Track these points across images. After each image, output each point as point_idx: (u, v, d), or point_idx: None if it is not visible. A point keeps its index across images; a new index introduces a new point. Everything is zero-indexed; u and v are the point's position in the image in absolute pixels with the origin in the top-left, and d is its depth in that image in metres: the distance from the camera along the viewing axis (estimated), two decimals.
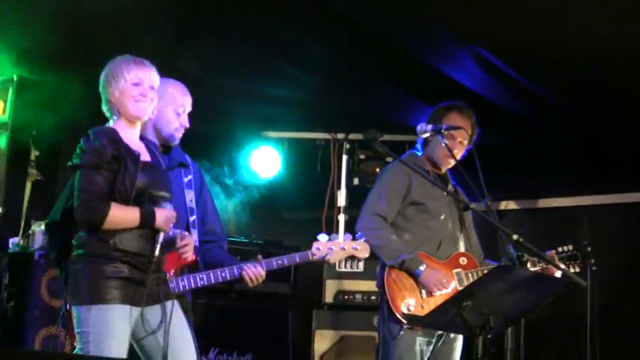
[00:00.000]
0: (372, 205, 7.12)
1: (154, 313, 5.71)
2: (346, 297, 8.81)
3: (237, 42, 8.56)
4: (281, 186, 10.59)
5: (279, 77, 9.10)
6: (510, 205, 10.34)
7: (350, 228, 9.66)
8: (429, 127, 6.90)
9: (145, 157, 5.76)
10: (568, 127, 9.30)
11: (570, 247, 7.09)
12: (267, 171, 10.48)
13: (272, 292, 7.30)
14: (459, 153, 7.09)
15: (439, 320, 6.17)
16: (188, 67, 8.23)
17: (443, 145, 6.93)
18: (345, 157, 9.86)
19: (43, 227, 8.47)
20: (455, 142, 7.04)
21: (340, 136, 9.93)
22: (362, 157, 9.90)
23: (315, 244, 6.37)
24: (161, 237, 5.54)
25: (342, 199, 9.83)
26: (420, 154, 7.20)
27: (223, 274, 6.22)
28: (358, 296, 8.75)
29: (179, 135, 6.34)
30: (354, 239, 6.45)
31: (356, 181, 9.86)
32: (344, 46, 8.46)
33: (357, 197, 9.82)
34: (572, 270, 7.03)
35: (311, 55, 8.69)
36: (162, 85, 6.29)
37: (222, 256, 6.52)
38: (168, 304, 5.78)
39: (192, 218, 6.31)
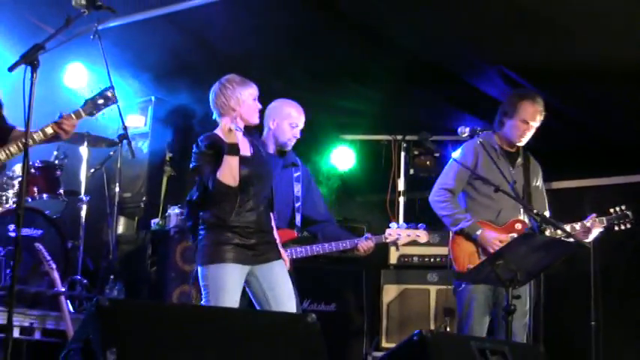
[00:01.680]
0: (441, 180, 7.03)
1: (262, 269, 5.76)
2: (406, 259, 8.79)
3: (319, 67, 8.59)
4: (354, 176, 10.57)
5: (352, 94, 9.16)
6: None
7: (408, 208, 9.69)
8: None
9: (245, 151, 5.83)
10: (574, 126, 9.26)
11: (623, 207, 6.89)
12: (344, 165, 10.47)
13: (350, 256, 7.29)
14: (530, 134, 6.96)
15: (479, 276, 6.18)
16: (278, 86, 8.26)
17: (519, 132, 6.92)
18: (402, 154, 9.83)
19: (176, 210, 8.53)
20: (528, 126, 6.91)
21: (399, 137, 9.89)
22: (416, 153, 9.85)
23: (388, 231, 6.52)
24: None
25: (401, 185, 9.80)
26: (494, 132, 7.07)
27: (344, 244, 6.48)
28: (415, 258, 8.73)
29: (291, 143, 6.56)
30: (416, 228, 6.57)
31: (411, 171, 9.81)
32: (401, 69, 8.46)
33: (412, 184, 9.82)
34: (622, 227, 6.89)
35: (376, 76, 8.72)
36: (280, 104, 6.61)
37: (339, 231, 6.72)
38: (275, 262, 5.84)
39: (297, 204, 6.49)
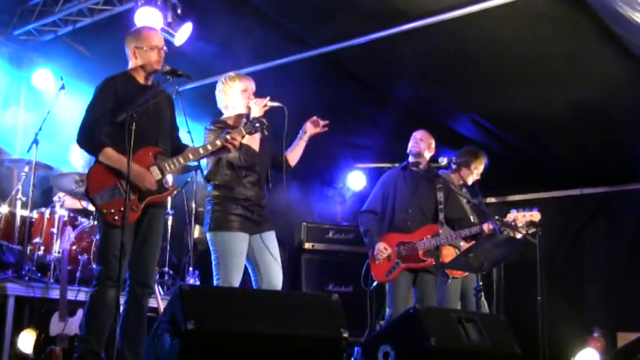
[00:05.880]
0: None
1: (256, 240, 5.18)
2: None
3: (340, 115, 8.59)
4: (365, 194, 10.54)
5: (364, 134, 9.15)
6: (492, 199, 10.22)
7: None
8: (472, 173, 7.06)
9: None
10: (524, 156, 9.24)
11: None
12: (357, 186, 10.45)
13: (363, 251, 7.22)
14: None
15: (456, 264, 6.15)
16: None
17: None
18: None
19: None
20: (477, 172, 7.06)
21: (397, 165, 9.84)
22: None
23: (509, 215, 6.30)
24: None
25: None
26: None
27: (474, 230, 6.26)
28: None
29: (415, 151, 6.69)
30: (531, 211, 6.37)
31: None
32: (398, 116, 8.45)
33: None
34: (530, 230, 6.76)
35: (380, 122, 8.74)
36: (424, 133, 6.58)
37: (469, 223, 6.47)
38: (267, 234, 5.23)
39: (440, 206, 6.32)
